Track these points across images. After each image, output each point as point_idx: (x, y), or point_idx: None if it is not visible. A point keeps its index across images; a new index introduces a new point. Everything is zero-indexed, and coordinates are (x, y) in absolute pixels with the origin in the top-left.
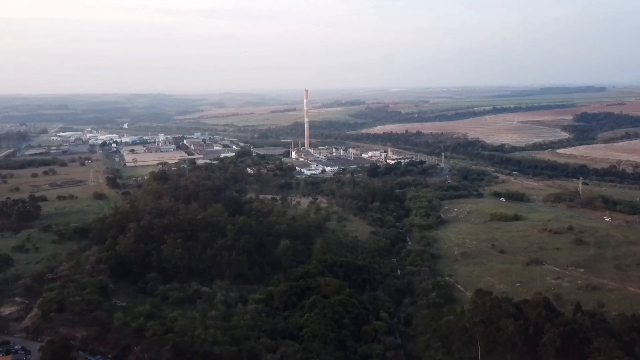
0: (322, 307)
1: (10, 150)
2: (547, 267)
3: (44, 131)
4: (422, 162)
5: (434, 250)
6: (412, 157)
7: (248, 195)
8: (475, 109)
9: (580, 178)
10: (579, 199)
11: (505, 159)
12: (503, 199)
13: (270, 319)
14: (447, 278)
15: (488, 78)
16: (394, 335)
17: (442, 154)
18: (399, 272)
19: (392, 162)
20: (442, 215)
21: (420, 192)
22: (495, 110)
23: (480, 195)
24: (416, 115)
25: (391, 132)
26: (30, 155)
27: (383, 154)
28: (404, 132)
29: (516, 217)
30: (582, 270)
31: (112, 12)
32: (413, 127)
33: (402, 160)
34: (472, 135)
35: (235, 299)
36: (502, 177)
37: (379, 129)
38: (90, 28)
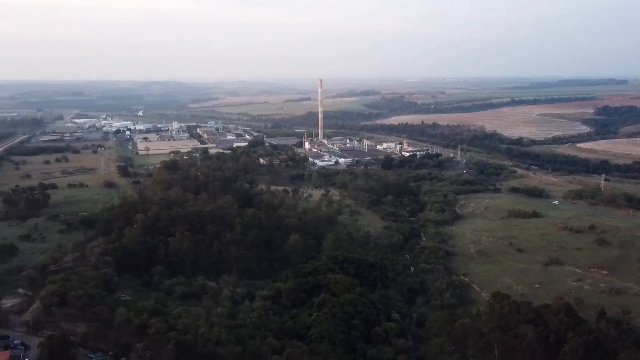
0: (332, 306)
1: (25, 136)
2: (567, 268)
3: (60, 117)
4: (437, 155)
5: (449, 247)
6: (427, 150)
7: (259, 187)
8: (492, 100)
9: (603, 174)
10: (601, 196)
11: (523, 152)
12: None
13: (277, 317)
14: (462, 277)
15: (506, 69)
16: (405, 337)
17: (459, 146)
18: (412, 269)
19: (407, 154)
20: (458, 211)
21: (435, 186)
22: (514, 103)
23: (497, 190)
24: (432, 107)
25: (406, 123)
26: (44, 141)
27: (398, 146)
28: (420, 123)
29: (535, 214)
30: (605, 272)
31: (127, 0)
32: (429, 118)
33: (418, 153)
34: (489, 127)
35: (242, 295)
36: (520, 171)
37: (394, 120)
38: (106, 15)
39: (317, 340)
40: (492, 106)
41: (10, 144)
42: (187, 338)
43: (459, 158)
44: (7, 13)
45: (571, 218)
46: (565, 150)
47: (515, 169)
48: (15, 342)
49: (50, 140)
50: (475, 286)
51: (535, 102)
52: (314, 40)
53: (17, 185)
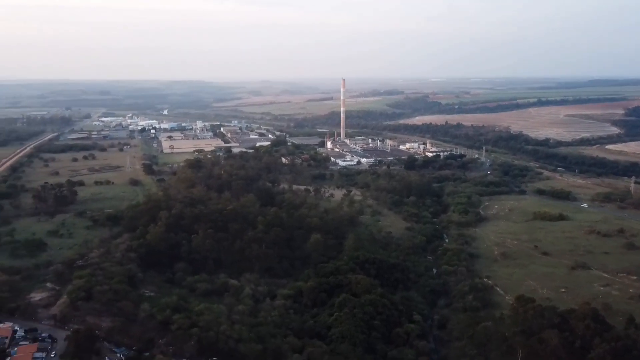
0: (352, 306)
1: (54, 134)
2: (594, 273)
3: (87, 116)
4: (461, 156)
5: (472, 250)
6: (451, 150)
7: (281, 186)
8: (518, 101)
9: (633, 177)
10: (631, 199)
11: (549, 154)
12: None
13: (298, 316)
14: (485, 280)
15: (532, 69)
16: (427, 340)
17: (483, 147)
18: (434, 271)
19: (430, 154)
20: (482, 213)
21: (459, 187)
22: (540, 103)
23: (522, 192)
24: (456, 107)
25: (430, 123)
26: (72, 139)
27: (421, 146)
28: (444, 123)
29: (561, 217)
30: (634, 277)
31: (152, 1)
32: (453, 118)
33: (441, 153)
34: (514, 128)
35: (263, 294)
36: (546, 173)
37: (418, 120)
38: (131, 16)
39: (337, 340)
40: (517, 106)
41: (39, 141)
42: (208, 335)
43: (483, 159)
44: (37, 14)
45: (599, 221)
46: (593, 151)
47: (542, 170)
48: (43, 335)
49: (78, 138)
50: (498, 289)
51: (562, 102)
52: (338, 39)
53: (46, 182)
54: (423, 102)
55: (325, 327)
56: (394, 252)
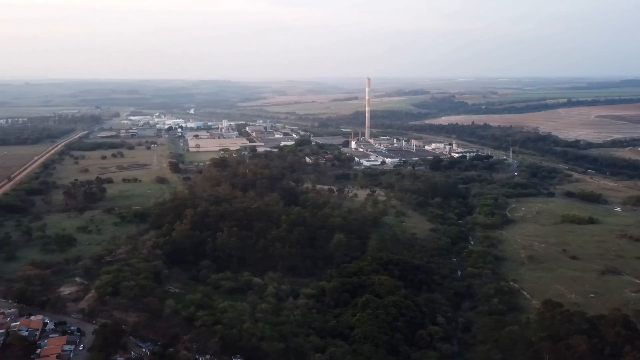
0: (375, 307)
1: (84, 132)
2: (625, 278)
3: (116, 115)
4: (488, 157)
5: (498, 252)
6: (477, 151)
7: (305, 185)
8: (547, 101)
9: None
10: None
11: (579, 155)
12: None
13: (320, 316)
14: (511, 283)
15: (562, 69)
16: (450, 342)
17: (510, 148)
18: (459, 273)
19: (456, 155)
20: (508, 215)
21: (485, 189)
22: (570, 103)
23: (551, 195)
24: (483, 107)
25: (456, 123)
26: (102, 137)
27: (447, 147)
28: (470, 124)
29: (591, 221)
30: None
31: (181, 3)
32: (480, 119)
33: (467, 154)
34: (543, 129)
35: (286, 292)
36: (576, 175)
37: (444, 120)
38: (159, 16)
39: (360, 340)
40: (546, 107)
41: (70, 139)
42: (232, 332)
43: (510, 160)
44: (72, 16)
45: (631, 225)
46: (625, 154)
47: (571, 172)
48: (72, 328)
49: (107, 137)
50: (525, 293)
51: (593, 103)
52: (363, 39)
53: (76, 179)
54: (449, 102)
55: (348, 328)
56: (418, 254)
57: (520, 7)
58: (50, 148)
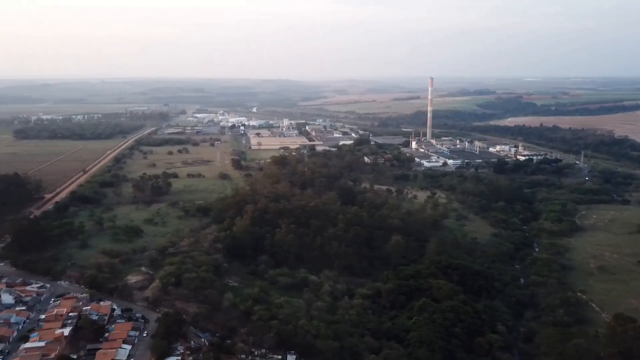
0: (432, 311)
1: (153, 128)
2: None
3: (183, 112)
4: (557, 160)
5: (565, 261)
6: (545, 154)
7: (362, 185)
8: (624, 102)
9: None
10: None
11: None
12: None
13: (375, 317)
14: (579, 294)
15: None
16: (511, 352)
17: (582, 152)
18: (521, 281)
19: (522, 158)
20: (577, 222)
21: (552, 194)
22: None
23: (625, 202)
24: (553, 108)
25: (523, 125)
26: (169, 134)
27: (512, 149)
28: (538, 125)
29: None
30: None
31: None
32: (548, 120)
33: (534, 157)
34: (619, 132)
35: (341, 291)
36: None
37: (510, 121)
38: (225, 15)
39: (415, 344)
40: (623, 109)
41: (140, 135)
42: (287, 328)
43: (581, 164)
44: (142, 17)
45: None
46: None
47: None
48: (137, 315)
49: (173, 133)
50: (593, 305)
51: None
52: (426, 38)
53: (144, 173)
54: (516, 103)
55: (404, 330)
56: (478, 259)
57: (597, 1)
58: (121, 143)
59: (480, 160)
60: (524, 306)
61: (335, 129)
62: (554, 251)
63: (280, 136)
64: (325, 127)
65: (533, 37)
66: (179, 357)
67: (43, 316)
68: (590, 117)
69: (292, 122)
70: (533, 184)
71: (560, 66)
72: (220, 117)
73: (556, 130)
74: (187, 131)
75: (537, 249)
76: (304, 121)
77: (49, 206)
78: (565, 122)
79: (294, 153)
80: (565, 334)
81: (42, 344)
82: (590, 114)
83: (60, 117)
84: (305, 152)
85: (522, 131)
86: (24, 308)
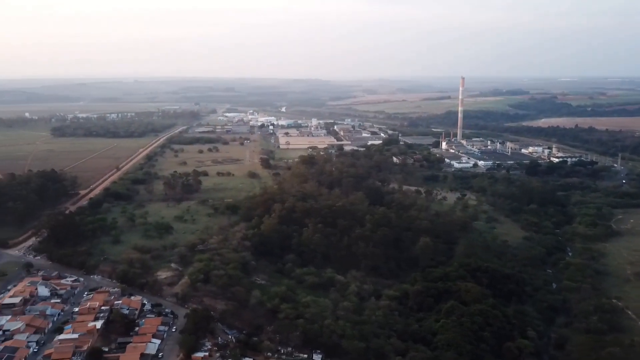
0: (460, 314)
1: (184, 127)
2: None
3: (213, 111)
4: (592, 163)
5: (599, 266)
6: (580, 156)
7: (391, 186)
8: None
9: None
10: None
11: None
12: None
13: (402, 319)
14: (614, 300)
15: None
16: (541, 359)
17: (619, 154)
18: (553, 286)
19: (556, 160)
20: (614, 226)
21: (587, 197)
22: None
23: None
24: (589, 109)
25: (557, 126)
26: (199, 132)
27: (546, 151)
28: (573, 126)
29: None
30: None
31: (272, 4)
32: (584, 121)
33: (569, 159)
34: None
35: (368, 292)
36: None
37: (543, 122)
38: (258, 16)
39: (442, 347)
40: None
41: (171, 133)
42: (313, 327)
43: (618, 167)
44: (176, 19)
45: None
46: None
47: None
48: (167, 310)
49: (204, 132)
50: (629, 312)
51: None
52: (457, 37)
53: (175, 171)
54: (550, 103)
55: (431, 333)
56: (509, 262)
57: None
58: (153, 141)
59: (512, 162)
60: (556, 312)
61: (364, 129)
62: (588, 256)
63: (308, 136)
64: (353, 126)
65: (566, 36)
66: (207, 353)
67: (77, 309)
68: (628, 119)
69: (321, 121)
70: (567, 187)
71: (597, 66)
72: (249, 117)
73: (592, 132)
74: (217, 130)
75: (570, 254)
76: (332, 121)
77: (84, 202)
78: (602, 123)
79: (321, 152)
80: (599, 341)
81: (75, 336)
82: (628, 115)
83: (95, 116)
84: (333, 151)
85: (556, 132)
86: (58, 301)
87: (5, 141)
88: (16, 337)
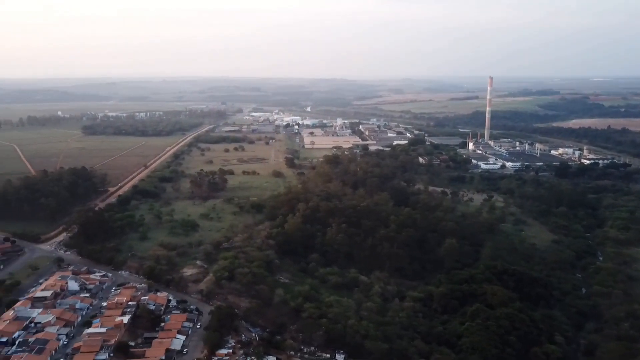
0: (486, 317)
1: (210, 126)
2: None
3: (239, 110)
4: (625, 165)
5: (632, 271)
6: (613, 158)
7: (416, 186)
8: None
9: None
10: None
11: None
12: None
13: (426, 321)
14: None
15: None
16: None
17: None
18: (583, 291)
19: (587, 162)
20: None
21: (619, 200)
22: None
23: None
24: (622, 110)
25: (589, 127)
26: (226, 132)
27: (577, 152)
28: (605, 128)
29: None
30: None
31: (299, 3)
32: (617, 122)
33: (600, 161)
34: None
35: (392, 293)
36: None
37: (574, 123)
38: (284, 16)
39: (467, 350)
40: None
41: (198, 132)
42: (336, 327)
43: None
44: (202, 20)
45: None
46: None
47: None
48: (192, 307)
49: (230, 131)
50: None
51: None
52: (485, 36)
53: (201, 170)
54: (581, 104)
55: (455, 336)
56: (536, 266)
57: None
58: (180, 140)
59: (541, 163)
60: (585, 317)
61: (390, 129)
62: (620, 261)
63: (333, 135)
64: (379, 126)
65: (599, 35)
66: (230, 350)
67: (105, 304)
68: None
69: (346, 121)
70: (598, 190)
71: (632, 66)
72: (275, 116)
73: (625, 133)
74: (243, 129)
75: (601, 258)
76: (357, 120)
77: (113, 199)
78: (636, 124)
79: (346, 152)
80: (631, 349)
81: (103, 330)
82: None
83: (124, 114)
84: (357, 151)
85: (588, 133)
86: (87, 295)
87: (38, 139)
88: (47, 329)
